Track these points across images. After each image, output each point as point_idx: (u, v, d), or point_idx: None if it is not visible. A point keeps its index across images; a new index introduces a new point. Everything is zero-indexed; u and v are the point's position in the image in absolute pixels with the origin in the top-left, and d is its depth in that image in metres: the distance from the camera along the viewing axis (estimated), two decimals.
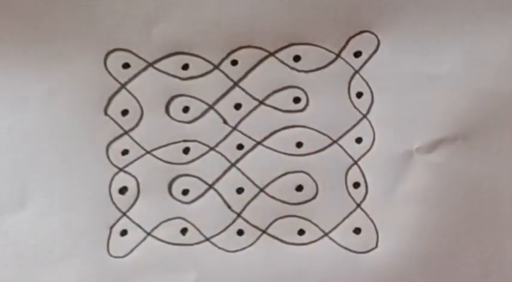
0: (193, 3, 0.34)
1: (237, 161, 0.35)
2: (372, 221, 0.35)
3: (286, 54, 0.34)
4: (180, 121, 0.35)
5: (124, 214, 0.34)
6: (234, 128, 0.35)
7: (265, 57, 0.34)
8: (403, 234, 0.34)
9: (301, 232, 0.35)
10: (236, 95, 0.35)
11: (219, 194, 0.35)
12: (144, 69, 0.34)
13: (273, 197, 0.35)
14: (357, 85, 0.35)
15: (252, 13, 0.34)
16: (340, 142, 0.35)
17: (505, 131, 0.34)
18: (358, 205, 0.35)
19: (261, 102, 0.35)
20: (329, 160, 0.35)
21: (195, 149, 0.35)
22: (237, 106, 0.35)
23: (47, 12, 0.33)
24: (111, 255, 0.34)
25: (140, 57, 0.34)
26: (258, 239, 0.35)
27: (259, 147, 0.35)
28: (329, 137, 0.35)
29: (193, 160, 0.35)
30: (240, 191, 0.35)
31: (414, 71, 0.34)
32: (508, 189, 0.34)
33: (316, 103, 0.35)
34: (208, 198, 0.35)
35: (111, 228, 0.34)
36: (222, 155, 0.35)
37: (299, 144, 0.35)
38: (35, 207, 0.34)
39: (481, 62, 0.34)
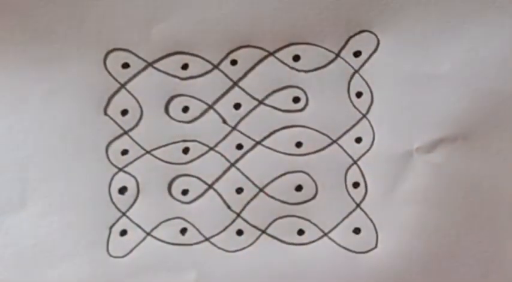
0: (193, 3, 0.34)
1: (237, 160, 0.35)
2: (372, 221, 0.35)
3: (286, 54, 0.34)
4: (179, 121, 0.35)
5: (124, 214, 0.34)
6: (234, 128, 0.35)
7: (265, 57, 0.34)
8: (403, 234, 0.34)
9: (300, 232, 0.35)
10: (236, 95, 0.35)
11: (219, 194, 0.35)
12: (144, 69, 0.34)
13: (272, 197, 0.35)
14: (357, 85, 0.34)
15: (251, 13, 0.34)
16: (339, 142, 0.35)
17: (505, 131, 0.34)
18: (358, 205, 0.35)
19: (261, 102, 0.35)
20: (329, 160, 0.35)
21: (195, 149, 0.35)
22: (237, 106, 0.35)
23: (47, 12, 0.33)
24: (110, 255, 0.34)
25: (140, 57, 0.34)
26: (257, 239, 0.35)
27: (259, 147, 0.35)
28: (329, 136, 0.35)
29: (192, 160, 0.35)
30: (239, 191, 0.35)
31: (414, 71, 0.34)
32: (508, 189, 0.34)
33: (316, 103, 0.35)
34: (207, 198, 0.35)
35: (111, 228, 0.34)
36: (222, 155, 0.35)
37: (298, 144, 0.35)
38: (35, 207, 0.34)
39: (481, 62, 0.34)
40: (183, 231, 0.35)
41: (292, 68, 0.34)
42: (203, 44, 0.34)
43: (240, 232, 0.35)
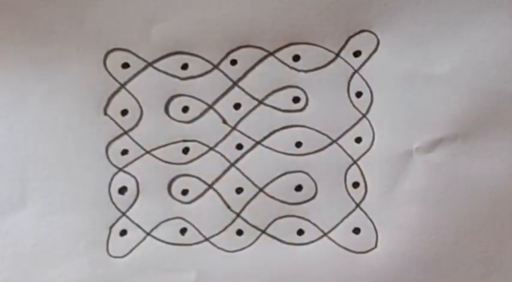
0: (193, 3, 0.34)
1: (237, 160, 0.35)
2: (371, 221, 0.35)
3: (286, 54, 0.34)
4: (179, 121, 0.35)
5: (123, 214, 0.34)
6: (234, 128, 0.35)
7: (265, 57, 0.34)
8: (403, 234, 0.34)
9: (300, 232, 0.35)
10: (235, 95, 0.35)
11: (219, 194, 0.35)
12: (144, 69, 0.34)
13: (272, 197, 0.35)
14: (357, 85, 0.34)
15: (251, 13, 0.34)
16: (339, 142, 0.35)
17: (505, 131, 0.34)
18: (358, 205, 0.35)
19: (261, 102, 0.35)
20: (328, 160, 0.35)
21: (195, 149, 0.35)
22: (237, 106, 0.35)
23: (47, 12, 0.33)
24: (110, 255, 0.34)
25: (140, 57, 0.34)
26: (257, 239, 0.35)
27: (259, 147, 0.35)
28: (328, 136, 0.35)
29: (192, 160, 0.35)
30: (239, 190, 0.35)
31: (414, 71, 0.34)
32: (508, 189, 0.34)
33: (316, 103, 0.34)
34: (207, 198, 0.35)
35: (111, 228, 0.34)
36: (222, 155, 0.35)
37: (298, 144, 0.35)
38: (35, 207, 0.34)
39: (481, 62, 0.34)
40: (183, 231, 0.35)
41: (292, 68, 0.34)
42: (203, 44, 0.34)
43: (239, 232, 0.35)
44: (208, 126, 0.35)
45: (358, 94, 0.34)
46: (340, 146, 0.35)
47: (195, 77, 0.34)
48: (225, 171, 0.35)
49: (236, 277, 0.35)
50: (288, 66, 0.34)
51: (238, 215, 0.35)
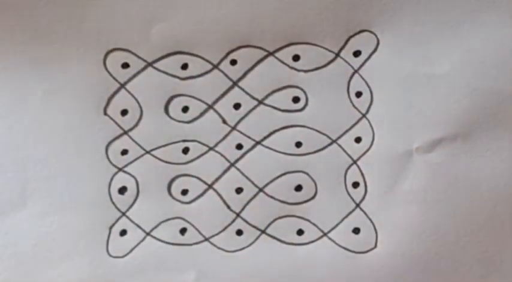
0: (193, 3, 0.34)
1: (236, 160, 0.35)
2: (371, 221, 0.35)
3: (286, 54, 0.34)
4: (179, 121, 0.35)
5: (123, 214, 0.34)
6: (234, 128, 0.35)
7: (265, 57, 0.34)
8: (403, 234, 0.34)
9: (300, 232, 0.35)
10: (235, 95, 0.35)
11: (218, 194, 0.35)
12: (144, 69, 0.34)
13: (272, 197, 0.35)
14: (356, 84, 0.34)
15: (251, 12, 0.34)
16: (339, 142, 0.35)
17: (505, 131, 0.34)
18: (358, 205, 0.35)
19: (260, 102, 0.35)
20: (328, 160, 0.35)
21: (195, 149, 0.35)
22: (236, 106, 0.35)
23: (47, 12, 0.33)
24: (110, 255, 0.34)
25: (139, 57, 0.34)
26: (257, 239, 0.35)
27: (259, 147, 0.35)
28: (328, 136, 0.35)
29: (192, 160, 0.35)
30: (239, 190, 0.35)
31: (413, 71, 0.34)
32: (508, 189, 0.34)
33: (316, 103, 0.34)
34: (207, 198, 0.35)
35: (111, 228, 0.34)
36: (222, 155, 0.35)
37: (298, 144, 0.35)
38: (35, 207, 0.34)
39: (481, 62, 0.34)
40: (183, 231, 0.35)
41: (292, 67, 0.34)
42: (203, 44, 0.34)
43: (239, 232, 0.35)
44: (208, 126, 0.35)
45: (358, 94, 0.34)
46: (340, 146, 0.35)
47: (195, 77, 0.34)
48: (225, 171, 0.35)
49: (236, 277, 0.35)
50: (288, 66, 0.34)
51: (238, 215, 0.35)
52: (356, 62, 0.34)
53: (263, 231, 0.35)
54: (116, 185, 0.34)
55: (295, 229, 0.35)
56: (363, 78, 0.34)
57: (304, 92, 0.35)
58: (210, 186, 0.35)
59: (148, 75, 0.34)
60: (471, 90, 0.34)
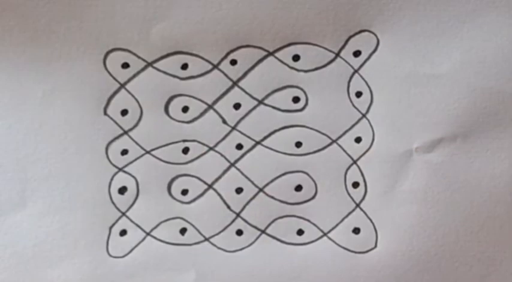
0: (193, 3, 0.34)
1: (236, 160, 0.35)
2: (371, 221, 0.35)
3: (286, 54, 0.34)
4: (179, 121, 0.35)
5: (123, 214, 0.34)
6: (233, 128, 0.35)
7: (265, 57, 0.34)
8: (403, 234, 0.34)
9: (300, 232, 0.35)
10: (235, 95, 0.35)
11: (218, 194, 0.35)
12: (144, 69, 0.34)
13: (272, 197, 0.35)
14: (356, 84, 0.34)
15: (251, 12, 0.34)
16: (339, 142, 0.35)
17: (504, 131, 0.34)
18: (358, 205, 0.35)
19: (260, 102, 0.35)
20: (328, 160, 0.35)
21: (195, 149, 0.35)
22: (236, 106, 0.35)
23: (47, 12, 0.33)
24: (110, 255, 0.34)
25: (139, 57, 0.34)
26: (257, 239, 0.35)
27: (259, 147, 0.35)
28: (328, 136, 0.35)
29: (192, 160, 0.35)
30: (239, 190, 0.35)
31: (413, 71, 0.34)
32: (508, 189, 0.34)
33: (316, 103, 0.34)
34: (207, 198, 0.35)
35: (111, 228, 0.34)
36: (222, 155, 0.35)
37: (298, 144, 0.35)
38: (35, 207, 0.34)
39: (481, 62, 0.34)
40: (183, 231, 0.35)
41: (292, 67, 0.34)
42: (203, 44, 0.34)
43: (239, 232, 0.35)
44: (208, 126, 0.35)
45: (358, 94, 0.34)
46: (340, 145, 0.35)
47: (195, 77, 0.34)
48: (225, 171, 0.35)
49: (236, 277, 0.35)
50: (288, 66, 0.34)
51: (238, 215, 0.35)
52: (356, 62, 0.34)
53: (263, 231, 0.35)
54: (116, 185, 0.34)
55: (295, 229, 0.35)
56: (363, 78, 0.34)
57: (304, 92, 0.35)
58: (210, 186, 0.35)
59: (148, 75, 0.34)
60: (471, 90, 0.34)
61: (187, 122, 0.35)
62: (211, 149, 0.35)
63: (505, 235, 0.35)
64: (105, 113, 0.34)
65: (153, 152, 0.34)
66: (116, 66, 0.34)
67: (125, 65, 0.34)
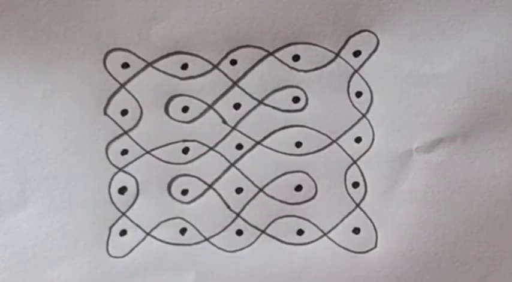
0: (193, 3, 0.34)
1: (236, 160, 0.35)
2: (371, 221, 0.35)
3: (286, 54, 0.34)
4: (179, 121, 0.35)
5: (123, 214, 0.34)
6: (233, 128, 0.35)
7: (265, 57, 0.34)
8: (403, 234, 0.34)
9: (300, 232, 0.35)
10: (235, 95, 0.35)
11: (218, 194, 0.35)
12: (144, 69, 0.34)
13: (272, 197, 0.35)
14: (356, 84, 0.34)
15: (251, 12, 0.34)
16: (339, 142, 0.35)
17: (504, 131, 0.34)
18: (358, 205, 0.35)
19: (260, 102, 0.35)
20: (328, 160, 0.35)
21: (195, 149, 0.35)
22: (236, 106, 0.35)
23: (47, 12, 0.33)
24: (110, 255, 0.34)
25: (139, 57, 0.34)
26: (257, 239, 0.35)
27: (259, 147, 0.35)
28: (328, 136, 0.35)
29: (192, 160, 0.35)
30: (239, 190, 0.35)
31: (413, 71, 0.34)
32: (508, 189, 0.34)
33: (316, 103, 0.34)
34: (207, 198, 0.35)
35: (111, 228, 0.34)
36: (222, 155, 0.35)
37: (298, 144, 0.35)
38: (35, 207, 0.34)
39: (481, 62, 0.34)
40: (183, 231, 0.35)
41: (292, 67, 0.34)
42: (203, 44, 0.34)
43: (239, 232, 0.35)
44: (208, 126, 0.35)
45: (358, 94, 0.34)
46: (340, 145, 0.35)
47: (195, 77, 0.34)
48: (225, 171, 0.35)
49: (236, 277, 0.35)
50: (288, 66, 0.34)
51: (238, 215, 0.35)
52: (356, 62, 0.34)
53: (263, 231, 0.35)
54: (116, 185, 0.34)
55: (295, 229, 0.35)
56: (363, 78, 0.34)
57: (304, 92, 0.35)
58: (210, 186, 0.35)
59: (148, 75, 0.34)
60: (471, 90, 0.34)
61: (187, 122, 0.35)
62: (211, 149, 0.35)
63: (505, 235, 0.35)
64: (105, 113, 0.34)
65: (153, 152, 0.34)
66: (116, 66, 0.34)
67: (125, 65, 0.34)
